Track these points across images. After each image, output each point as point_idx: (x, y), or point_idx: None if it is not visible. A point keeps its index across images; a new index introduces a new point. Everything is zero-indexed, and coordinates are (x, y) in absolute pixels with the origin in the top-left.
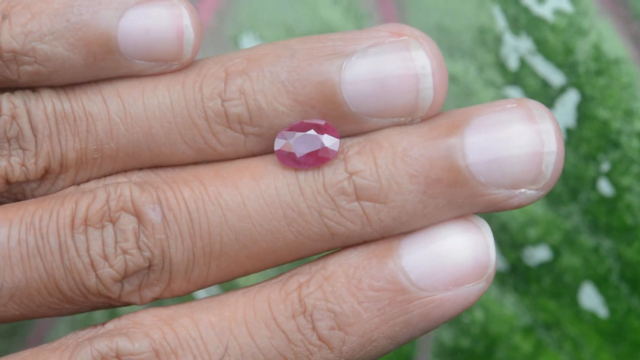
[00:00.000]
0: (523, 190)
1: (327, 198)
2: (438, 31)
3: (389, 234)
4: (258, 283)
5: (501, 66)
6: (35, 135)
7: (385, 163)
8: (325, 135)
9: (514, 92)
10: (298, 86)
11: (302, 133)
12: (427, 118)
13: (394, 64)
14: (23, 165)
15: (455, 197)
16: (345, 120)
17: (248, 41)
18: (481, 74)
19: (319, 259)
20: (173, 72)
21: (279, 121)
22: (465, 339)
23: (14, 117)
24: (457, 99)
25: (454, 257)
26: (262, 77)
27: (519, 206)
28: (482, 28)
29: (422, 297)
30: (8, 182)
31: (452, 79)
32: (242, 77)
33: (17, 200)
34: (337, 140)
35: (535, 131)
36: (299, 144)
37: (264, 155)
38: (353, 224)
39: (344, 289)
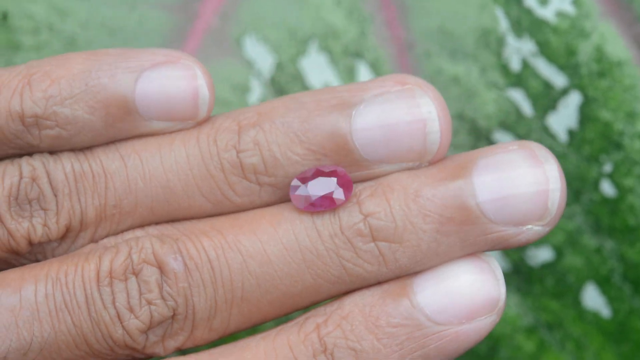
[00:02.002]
0: (530, 226)
1: (344, 240)
2: (440, 33)
3: (403, 273)
4: (275, 328)
5: (504, 68)
6: (55, 195)
7: (399, 204)
8: (339, 178)
9: (516, 93)
10: (310, 135)
11: (316, 177)
12: (433, 162)
13: (401, 110)
14: (45, 225)
15: (467, 234)
16: (357, 167)
17: (251, 43)
18: (484, 75)
19: (332, 300)
20: (187, 129)
21: (293, 170)
22: None
23: (34, 179)
24: (460, 100)
25: (467, 292)
26: (275, 128)
27: (527, 242)
28: (484, 30)
29: (438, 332)
30: (31, 242)
31: (455, 80)
32: (255, 129)
33: (37, 261)
34: (350, 182)
35: (540, 170)
36: (314, 187)
37: (279, 204)
38: (370, 264)
39: (362, 327)
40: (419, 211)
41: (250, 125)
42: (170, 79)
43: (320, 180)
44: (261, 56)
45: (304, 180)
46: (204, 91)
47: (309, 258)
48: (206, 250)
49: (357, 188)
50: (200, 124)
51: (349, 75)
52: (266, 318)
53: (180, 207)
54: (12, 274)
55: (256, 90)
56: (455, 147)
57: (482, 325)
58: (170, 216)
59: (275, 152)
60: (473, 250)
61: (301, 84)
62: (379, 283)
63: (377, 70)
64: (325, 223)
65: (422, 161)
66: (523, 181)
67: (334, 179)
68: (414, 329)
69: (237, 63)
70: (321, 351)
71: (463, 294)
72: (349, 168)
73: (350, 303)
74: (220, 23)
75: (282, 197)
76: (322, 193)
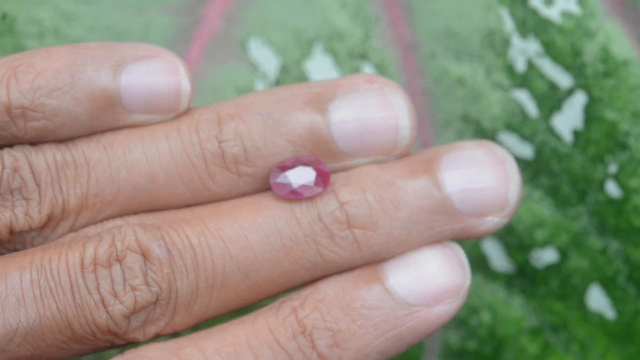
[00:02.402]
0: (490, 218)
1: (322, 227)
2: (446, 34)
3: (374, 260)
4: (250, 313)
5: (509, 68)
6: (38, 185)
7: (373, 193)
8: (318, 168)
9: (521, 94)
10: (290, 127)
11: (296, 166)
12: (400, 156)
13: (375, 107)
14: (27, 214)
15: (435, 223)
16: (332, 158)
17: (256, 45)
18: (489, 76)
19: (304, 286)
20: (167, 120)
21: (274, 160)
22: (473, 341)
23: (15, 170)
24: (465, 101)
25: (435, 277)
26: (256, 119)
27: (486, 233)
28: (490, 31)
29: (410, 313)
30: (12, 231)
31: (460, 81)
32: (236, 120)
33: (16, 250)
34: (327, 173)
35: (501, 166)
36: (295, 176)
37: (257, 194)
38: (345, 250)
39: (338, 309)
40: (391, 200)
41: (230, 116)
42: (153, 72)
43: (300, 169)
44: (266, 59)
45: (284, 169)
46: (186, 84)
47: (288, 244)
48: (189, 237)
49: (332, 178)
50: (179, 115)
51: None
52: (243, 304)
53: (160, 196)
54: None
55: None
56: None
57: (448, 308)
58: (149, 205)
59: (257, 142)
60: (439, 239)
61: None
62: (350, 269)
63: (382, 71)
64: (304, 211)
65: (391, 155)
66: (486, 176)
67: (313, 169)
68: (387, 311)
69: (242, 66)
70: (300, 332)
71: (432, 278)
72: (325, 159)
73: (325, 287)
74: (225, 26)
75: (260, 188)
76: (302, 182)
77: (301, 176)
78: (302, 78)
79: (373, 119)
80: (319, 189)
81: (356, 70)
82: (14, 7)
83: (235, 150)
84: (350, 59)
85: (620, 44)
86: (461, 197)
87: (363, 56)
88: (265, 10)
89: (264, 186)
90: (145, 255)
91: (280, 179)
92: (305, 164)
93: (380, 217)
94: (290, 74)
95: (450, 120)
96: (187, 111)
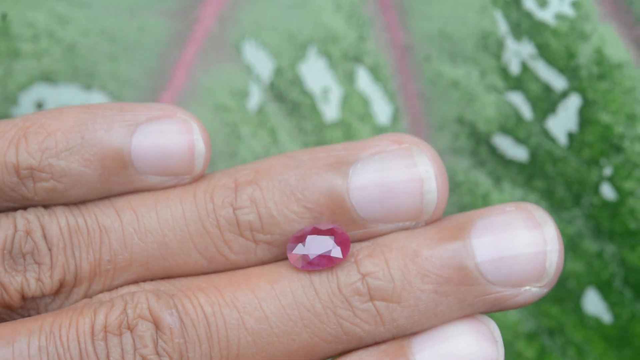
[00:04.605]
0: (528, 287)
1: (342, 299)
2: (440, 37)
3: (401, 333)
4: None
5: (503, 71)
6: (50, 250)
7: (397, 264)
8: (336, 236)
9: (516, 97)
10: (307, 193)
11: (313, 236)
12: (431, 221)
13: (398, 169)
14: (39, 279)
15: (465, 295)
16: (354, 226)
17: (250, 48)
18: (483, 79)
19: None
20: (183, 184)
21: (290, 228)
22: None
23: (28, 233)
24: (459, 104)
25: (465, 355)
26: (272, 185)
27: (524, 304)
28: (484, 33)
29: None
30: (24, 297)
31: (454, 84)
32: (252, 186)
33: (30, 316)
34: (347, 240)
35: (538, 232)
36: (311, 246)
37: (275, 262)
38: (367, 323)
39: None
40: (417, 271)
41: (246, 182)
42: (166, 133)
43: (318, 238)
44: (260, 61)
45: (301, 239)
46: (200, 146)
47: (306, 316)
48: (202, 306)
49: (355, 247)
50: (196, 179)
51: (348, 79)
52: None
53: (175, 263)
54: (5, 327)
55: (255, 96)
56: (455, 151)
57: None
58: (165, 272)
59: (272, 209)
60: (471, 312)
61: (300, 89)
62: (376, 343)
63: (376, 74)
64: (323, 281)
65: (419, 220)
66: (521, 243)
67: (331, 238)
68: None
69: (237, 68)
70: None
71: (461, 357)
72: (346, 227)
73: None
74: (219, 28)
75: (279, 255)
76: (319, 252)
77: (319, 246)
78: (296, 80)
79: (395, 183)
80: (337, 260)
81: (350, 73)
82: (8, 10)
83: (249, 217)
84: (345, 62)
85: (615, 46)
86: (493, 267)
87: (357, 58)
88: (259, 12)
89: (283, 253)
90: (156, 324)
91: (296, 250)
92: (324, 232)
93: (405, 289)
94: (285, 76)
95: (445, 122)
96: (205, 175)
